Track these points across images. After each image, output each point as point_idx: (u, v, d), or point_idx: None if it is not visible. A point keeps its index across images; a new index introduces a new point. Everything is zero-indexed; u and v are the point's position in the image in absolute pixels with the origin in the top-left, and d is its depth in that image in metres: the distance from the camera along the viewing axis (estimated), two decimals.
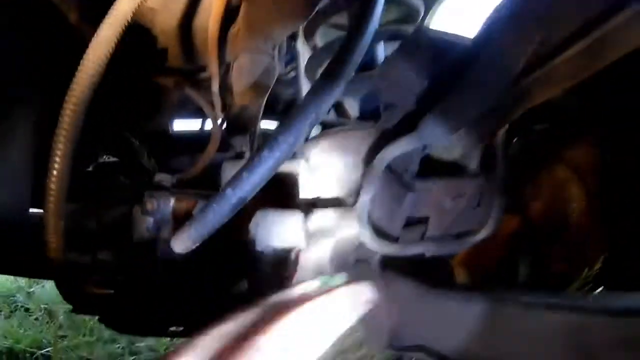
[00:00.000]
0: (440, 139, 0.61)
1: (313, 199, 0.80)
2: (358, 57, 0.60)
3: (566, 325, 0.48)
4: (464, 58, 0.59)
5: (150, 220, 0.75)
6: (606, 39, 0.46)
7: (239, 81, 0.89)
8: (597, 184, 0.94)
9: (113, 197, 0.86)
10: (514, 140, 1.03)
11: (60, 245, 0.66)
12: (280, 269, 0.71)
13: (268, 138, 0.56)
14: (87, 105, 0.61)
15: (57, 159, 0.58)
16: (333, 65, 0.60)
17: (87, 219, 0.84)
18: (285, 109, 1.52)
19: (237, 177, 0.56)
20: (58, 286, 0.74)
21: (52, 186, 0.59)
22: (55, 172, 0.58)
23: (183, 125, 1.41)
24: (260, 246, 0.70)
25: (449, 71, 0.61)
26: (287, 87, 1.40)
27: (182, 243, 0.59)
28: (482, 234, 0.74)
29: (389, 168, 0.67)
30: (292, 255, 0.72)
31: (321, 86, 0.58)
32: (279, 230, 0.70)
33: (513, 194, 0.83)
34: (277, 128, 0.58)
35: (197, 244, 0.59)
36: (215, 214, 0.57)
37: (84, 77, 0.60)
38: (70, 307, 0.80)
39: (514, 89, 0.56)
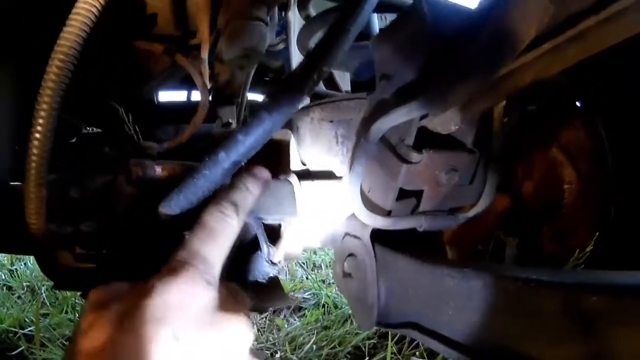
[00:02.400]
0: (440, 110, 0.59)
1: (303, 170, 0.78)
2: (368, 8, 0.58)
3: (567, 301, 0.47)
4: (467, 28, 0.57)
5: (134, 189, 0.72)
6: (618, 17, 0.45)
7: (230, 46, 0.85)
8: (589, 166, 0.93)
9: (97, 166, 0.83)
10: (506, 120, 1.02)
11: (41, 217, 0.62)
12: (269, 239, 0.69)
13: (268, 98, 0.53)
14: (71, 70, 0.58)
15: (41, 121, 0.54)
16: (344, 18, 0.57)
17: (69, 189, 0.81)
18: (273, 80, 1.49)
19: (231, 140, 0.53)
20: (38, 260, 0.71)
21: (35, 151, 0.55)
22: (37, 136, 0.54)
23: (169, 96, 1.38)
24: (248, 219, 0.66)
25: (450, 41, 0.58)
26: (276, 59, 1.37)
27: (168, 210, 0.56)
28: (475, 210, 0.73)
29: (383, 139, 0.65)
30: (282, 226, 0.70)
31: (329, 39, 0.55)
32: (268, 201, 0.67)
33: (504, 173, 0.82)
34: (276, 87, 0.55)
35: (184, 211, 0.56)
36: (206, 180, 0.54)
37: (67, 41, 0.56)
38: (52, 283, 0.77)
39: (517, 63, 0.55)
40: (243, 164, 0.55)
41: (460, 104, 0.61)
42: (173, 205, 0.55)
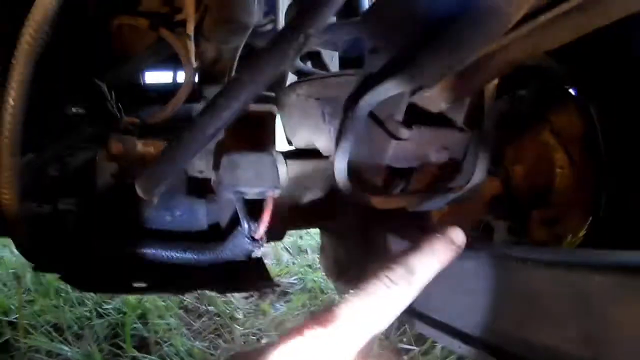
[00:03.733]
0: (429, 83, 0.57)
1: (289, 150, 0.76)
2: None
3: (566, 281, 0.45)
4: (456, 4, 0.55)
5: (115, 165, 0.70)
6: None
7: (216, 20, 0.83)
8: (581, 152, 0.92)
9: (78, 144, 0.80)
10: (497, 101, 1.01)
11: (14, 189, 0.59)
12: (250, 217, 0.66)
13: (248, 62, 0.50)
14: (45, 38, 0.54)
15: (14, 85, 0.51)
16: None
17: (49, 167, 0.78)
18: None
19: (213, 104, 0.49)
20: (15, 241, 0.68)
21: (9, 118, 0.52)
22: (11, 102, 0.51)
23: (154, 77, 1.35)
24: (227, 192, 0.63)
25: (440, 14, 0.57)
26: (264, 40, 1.34)
27: (148, 184, 0.53)
28: (465, 190, 0.72)
29: (371, 115, 0.63)
30: (265, 202, 0.67)
31: (311, 6, 0.51)
32: (248, 174, 0.64)
33: (494, 156, 0.81)
34: (258, 51, 0.52)
35: (165, 186, 0.53)
36: (186, 149, 0.51)
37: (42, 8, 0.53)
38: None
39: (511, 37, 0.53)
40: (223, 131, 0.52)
41: (451, 79, 0.59)
42: (152, 178, 0.52)
